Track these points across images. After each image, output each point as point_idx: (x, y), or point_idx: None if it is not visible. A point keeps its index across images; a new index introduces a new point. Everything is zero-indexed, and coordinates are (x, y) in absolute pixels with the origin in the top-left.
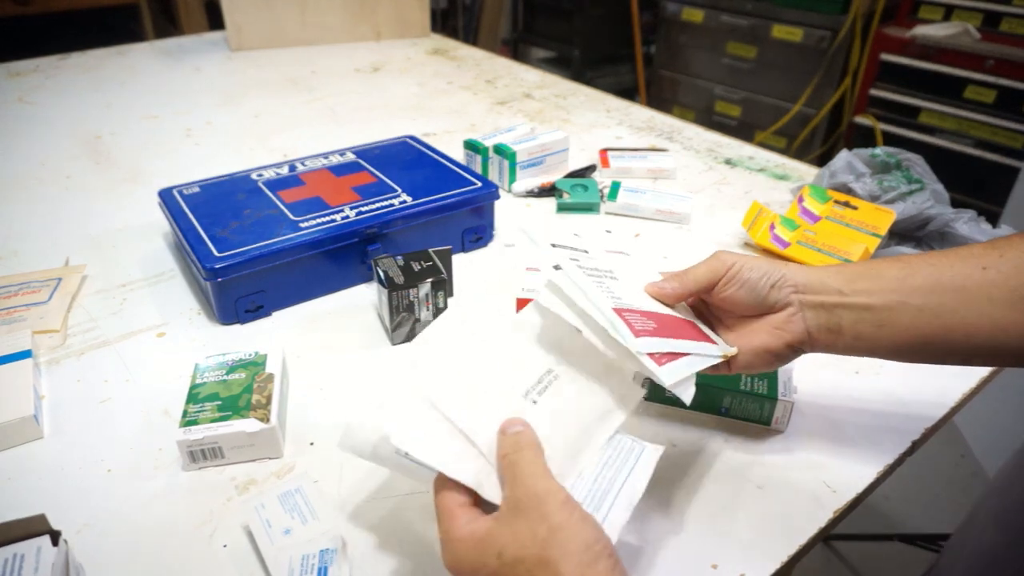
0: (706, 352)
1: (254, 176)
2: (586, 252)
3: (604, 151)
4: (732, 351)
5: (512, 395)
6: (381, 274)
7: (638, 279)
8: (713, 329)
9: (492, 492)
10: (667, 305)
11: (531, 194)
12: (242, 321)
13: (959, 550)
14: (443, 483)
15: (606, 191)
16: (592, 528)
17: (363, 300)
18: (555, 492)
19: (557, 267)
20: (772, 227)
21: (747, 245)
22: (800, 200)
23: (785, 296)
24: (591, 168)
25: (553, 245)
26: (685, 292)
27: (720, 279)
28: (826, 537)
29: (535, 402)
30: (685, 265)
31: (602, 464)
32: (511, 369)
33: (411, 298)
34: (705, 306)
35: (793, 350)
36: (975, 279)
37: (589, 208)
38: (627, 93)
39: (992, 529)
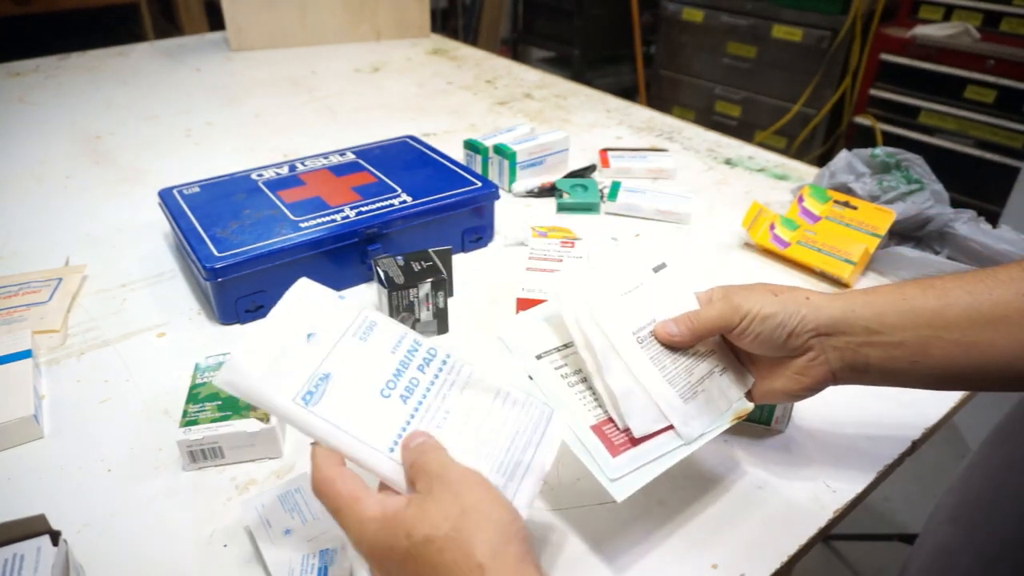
0: (707, 429)
1: (254, 176)
2: (568, 347)
3: (604, 151)
4: (745, 408)
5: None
6: (381, 274)
7: (651, 322)
8: (738, 357)
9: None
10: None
11: (531, 194)
12: (242, 321)
13: (920, 547)
14: (337, 472)
15: (606, 191)
16: (506, 508)
17: (363, 300)
18: (468, 474)
19: (531, 377)
20: (772, 227)
21: (747, 245)
22: (800, 200)
23: (804, 342)
24: (591, 168)
25: (538, 356)
26: (695, 340)
27: (734, 328)
28: (826, 537)
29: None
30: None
31: (512, 433)
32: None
33: (411, 298)
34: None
35: (815, 390)
36: (1015, 306)
37: (589, 208)
38: (627, 93)
39: (948, 525)
